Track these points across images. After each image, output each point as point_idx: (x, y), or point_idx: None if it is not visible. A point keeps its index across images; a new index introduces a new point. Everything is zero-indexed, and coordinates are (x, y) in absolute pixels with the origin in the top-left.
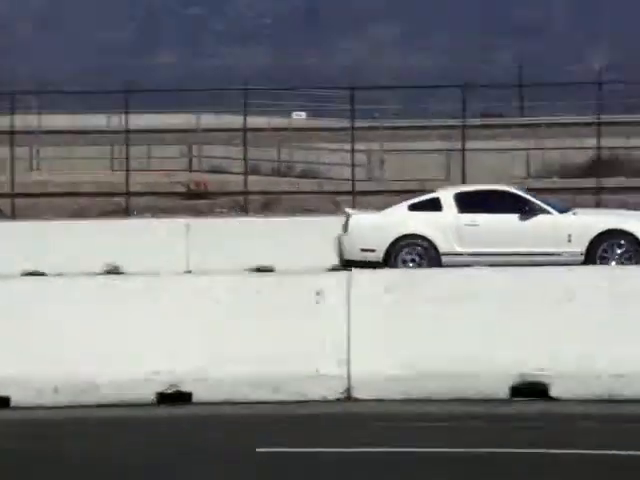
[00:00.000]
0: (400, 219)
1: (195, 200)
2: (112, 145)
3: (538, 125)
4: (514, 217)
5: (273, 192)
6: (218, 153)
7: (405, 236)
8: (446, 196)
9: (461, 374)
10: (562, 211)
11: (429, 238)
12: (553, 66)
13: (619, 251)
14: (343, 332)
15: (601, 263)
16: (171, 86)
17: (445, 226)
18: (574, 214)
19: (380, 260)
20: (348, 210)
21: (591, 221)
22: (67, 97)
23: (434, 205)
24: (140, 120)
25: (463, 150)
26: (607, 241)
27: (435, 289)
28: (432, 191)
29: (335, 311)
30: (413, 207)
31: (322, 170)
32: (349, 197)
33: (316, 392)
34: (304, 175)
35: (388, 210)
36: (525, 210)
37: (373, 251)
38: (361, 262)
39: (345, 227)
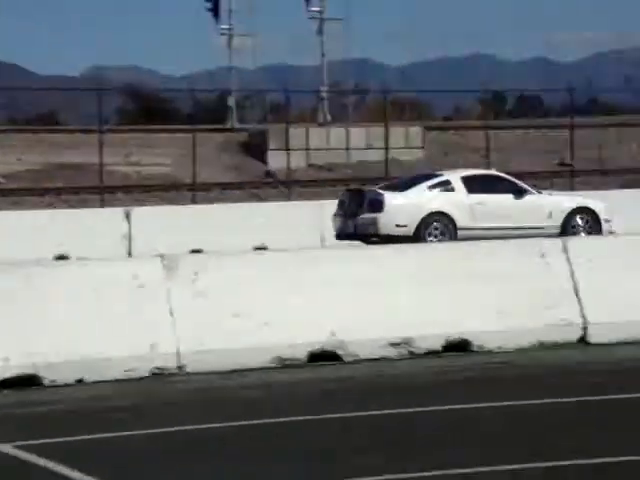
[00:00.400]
0: (426, 199)
1: None
2: None
3: None
4: (510, 197)
5: None
6: None
7: (432, 213)
8: (455, 179)
9: None
10: (539, 192)
11: (450, 215)
12: None
13: (585, 225)
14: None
15: (573, 234)
16: None
17: (460, 205)
18: (550, 194)
19: (411, 234)
20: (367, 188)
21: (565, 200)
22: None
23: (447, 186)
24: None
25: None
26: (577, 215)
27: None
28: (437, 174)
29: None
30: (432, 188)
31: None
32: None
33: None
34: None
35: (412, 190)
36: (517, 191)
37: (405, 226)
38: (393, 236)
39: (371, 205)
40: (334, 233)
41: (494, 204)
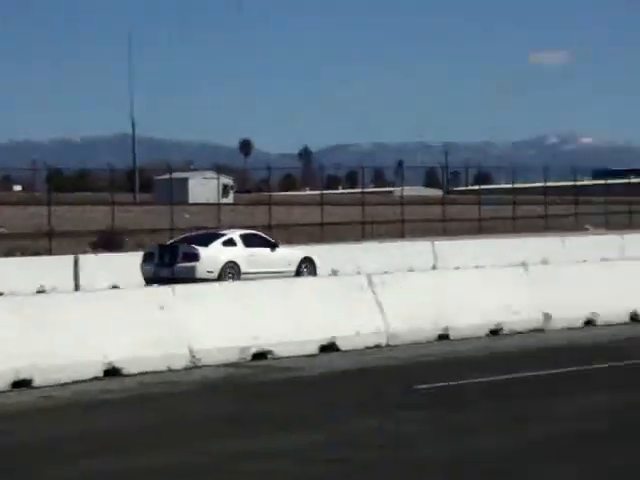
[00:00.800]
0: (222, 252)
1: None
2: None
3: None
4: (268, 250)
5: None
6: None
7: (227, 262)
8: (236, 236)
9: None
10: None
11: (238, 263)
12: None
13: (307, 269)
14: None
15: (299, 275)
16: None
17: (241, 256)
18: (284, 248)
19: (216, 277)
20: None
21: (296, 252)
22: None
23: (232, 242)
24: None
25: None
26: (303, 263)
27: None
28: (223, 234)
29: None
30: (224, 244)
31: None
32: None
33: None
34: None
35: (213, 245)
36: (271, 246)
37: (212, 272)
38: (202, 279)
39: (187, 257)
40: (144, 278)
41: (260, 255)
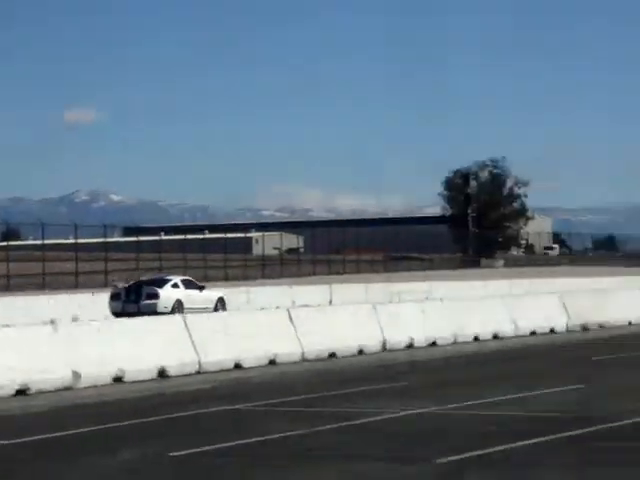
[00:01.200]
0: (173, 292)
1: None
2: None
3: None
4: (197, 291)
5: None
6: None
7: (176, 300)
8: (178, 280)
9: None
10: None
11: (183, 301)
12: None
13: (220, 306)
14: None
15: (217, 310)
16: None
17: (183, 296)
18: (208, 289)
19: (169, 312)
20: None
21: (214, 293)
22: None
23: (177, 285)
24: None
25: None
26: (219, 302)
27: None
28: (170, 278)
29: None
30: (173, 286)
31: None
32: None
33: None
34: None
35: (166, 287)
36: (199, 288)
37: (167, 307)
38: (160, 313)
39: (150, 296)
40: (112, 312)
41: (194, 295)
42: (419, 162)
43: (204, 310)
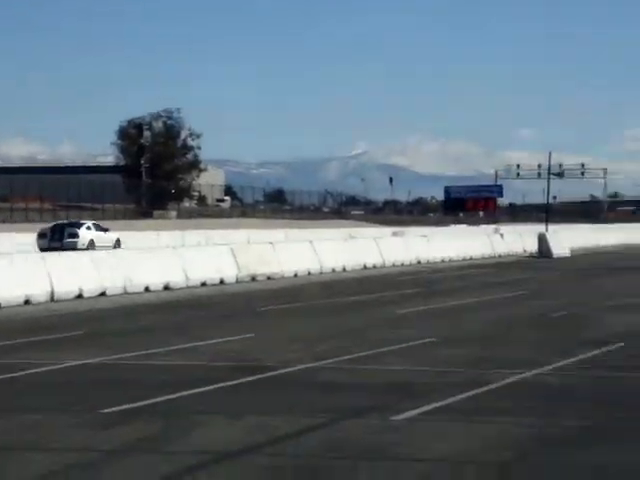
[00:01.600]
0: (88, 232)
1: None
2: None
3: None
4: (103, 233)
5: None
6: None
7: (90, 239)
8: (90, 224)
9: None
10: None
11: (95, 241)
12: None
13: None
14: None
15: (115, 249)
16: None
17: (96, 236)
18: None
19: (85, 248)
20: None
21: (112, 235)
22: None
23: (89, 227)
24: None
25: None
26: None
27: None
28: (84, 222)
29: None
30: (87, 228)
31: None
32: None
33: None
34: None
35: (82, 228)
36: (104, 230)
37: (84, 244)
38: (80, 249)
39: (71, 235)
40: (39, 248)
41: (101, 236)
42: (95, 110)
43: (107, 247)
